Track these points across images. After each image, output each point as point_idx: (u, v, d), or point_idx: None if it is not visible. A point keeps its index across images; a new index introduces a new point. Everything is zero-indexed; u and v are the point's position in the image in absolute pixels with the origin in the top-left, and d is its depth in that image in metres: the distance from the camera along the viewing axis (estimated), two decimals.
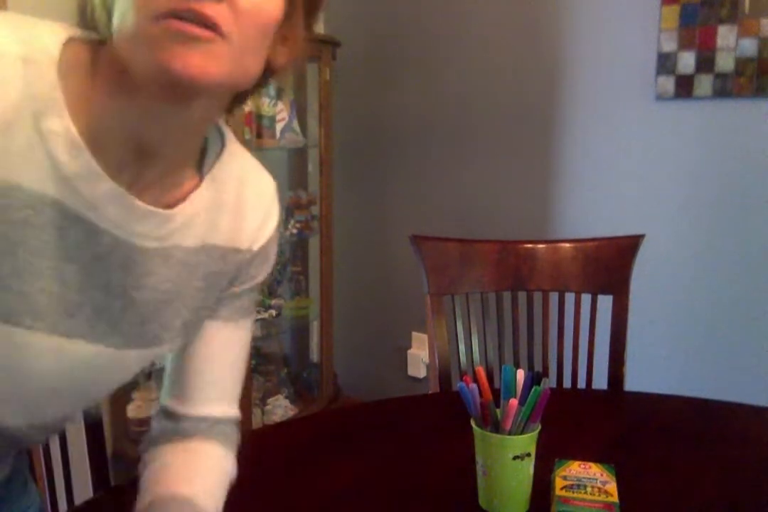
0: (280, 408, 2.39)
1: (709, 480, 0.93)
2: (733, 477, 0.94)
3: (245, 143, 2.07)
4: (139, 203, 0.62)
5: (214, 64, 0.55)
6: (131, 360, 0.71)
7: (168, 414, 0.80)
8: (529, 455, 0.83)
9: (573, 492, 0.80)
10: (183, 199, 0.67)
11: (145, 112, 0.59)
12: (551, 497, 0.82)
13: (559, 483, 0.82)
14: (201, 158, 0.69)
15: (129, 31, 0.54)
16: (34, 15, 0.59)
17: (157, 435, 0.80)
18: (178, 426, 0.79)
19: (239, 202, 0.73)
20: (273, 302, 2.39)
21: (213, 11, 0.53)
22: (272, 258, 0.81)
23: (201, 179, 0.68)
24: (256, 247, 0.76)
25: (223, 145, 0.72)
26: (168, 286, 0.69)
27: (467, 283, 1.43)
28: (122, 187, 0.60)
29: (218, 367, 0.80)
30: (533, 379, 0.83)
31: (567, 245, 1.44)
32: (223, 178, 0.71)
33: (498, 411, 0.83)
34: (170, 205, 0.66)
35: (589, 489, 0.81)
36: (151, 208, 0.63)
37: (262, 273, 0.80)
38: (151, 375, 2.18)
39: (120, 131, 0.59)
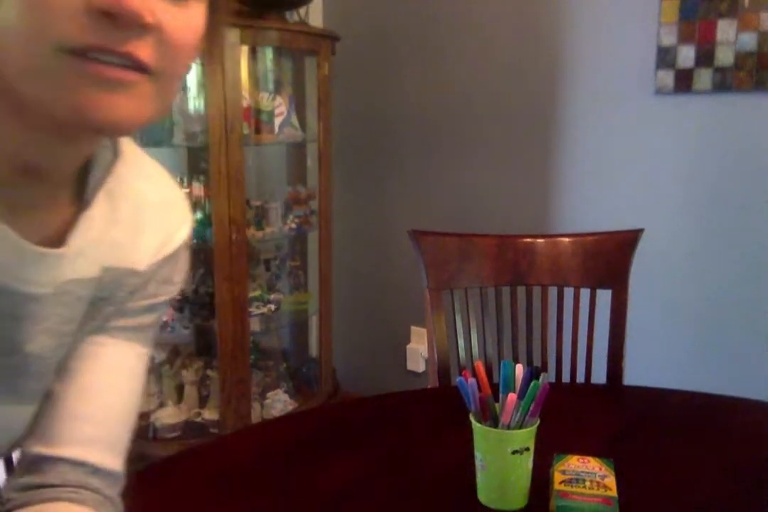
0: (280, 403, 2.39)
1: (709, 475, 0.93)
2: (732, 471, 0.94)
3: (243, 138, 2.07)
4: (26, 244, 0.53)
5: (143, 108, 0.47)
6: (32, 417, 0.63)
7: (29, 467, 0.62)
8: (527, 449, 0.83)
9: (572, 487, 0.80)
10: (71, 222, 0.57)
11: (34, 136, 0.50)
12: (550, 491, 0.82)
13: (557, 477, 0.82)
14: (85, 174, 0.59)
15: (18, 59, 0.44)
16: None
17: (10, 498, 0.60)
18: (42, 480, 0.61)
19: (137, 217, 0.63)
20: (272, 297, 2.39)
21: (139, 50, 0.45)
22: (177, 278, 0.69)
23: (85, 199, 0.58)
24: (154, 261, 0.65)
25: (115, 155, 0.61)
26: (68, 328, 0.60)
27: (466, 278, 1.43)
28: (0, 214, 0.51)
29: (96, 394, 0.64)
30: (532, 374, 0.83)
31: (566, 240, 1.44)
32: (119, 191, 0.61)
33: (497, 405, 0.83)
34: (59, 232, 0.56)
35: (587, 484, 0.81)
36: (40, 249, 0.54)
37: (164, 293, 0.68)
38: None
39: None
